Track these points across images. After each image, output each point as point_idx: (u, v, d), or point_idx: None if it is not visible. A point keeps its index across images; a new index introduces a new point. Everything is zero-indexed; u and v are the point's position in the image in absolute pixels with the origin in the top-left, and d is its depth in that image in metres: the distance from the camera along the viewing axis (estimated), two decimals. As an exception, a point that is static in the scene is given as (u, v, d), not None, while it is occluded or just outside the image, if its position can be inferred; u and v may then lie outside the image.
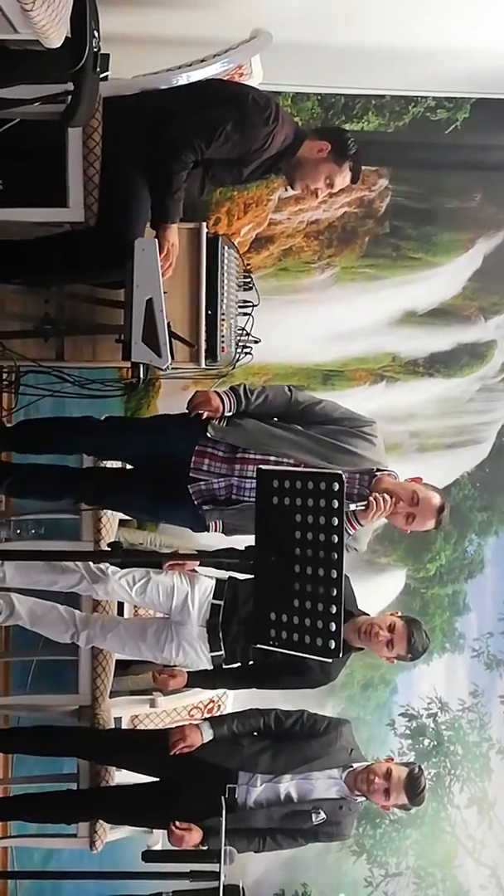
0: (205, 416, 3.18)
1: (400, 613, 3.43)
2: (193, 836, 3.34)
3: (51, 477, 3.44)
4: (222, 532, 3.22)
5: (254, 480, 3.07)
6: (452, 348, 5.64)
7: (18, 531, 4.26)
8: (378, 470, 3.20)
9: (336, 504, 2.18)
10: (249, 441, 3.15)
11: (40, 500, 3.60)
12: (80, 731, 3.87)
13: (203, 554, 3.13)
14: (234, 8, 3.96)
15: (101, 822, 3.89)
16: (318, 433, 3.17)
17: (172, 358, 3.14)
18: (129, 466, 3.60)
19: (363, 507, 3.06)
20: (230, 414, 3.20)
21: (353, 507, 3.05)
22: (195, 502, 3.19)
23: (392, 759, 3.64)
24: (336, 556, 2.17)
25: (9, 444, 3.66)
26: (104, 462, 3.69)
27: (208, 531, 3.26)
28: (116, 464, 3.71)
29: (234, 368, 3.95)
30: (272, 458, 3.12)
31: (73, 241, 3.30)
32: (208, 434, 3.17)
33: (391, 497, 3.08)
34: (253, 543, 2.34)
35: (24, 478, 3.44)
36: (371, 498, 3.06)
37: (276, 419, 3.23)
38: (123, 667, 4.28)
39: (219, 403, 3.18)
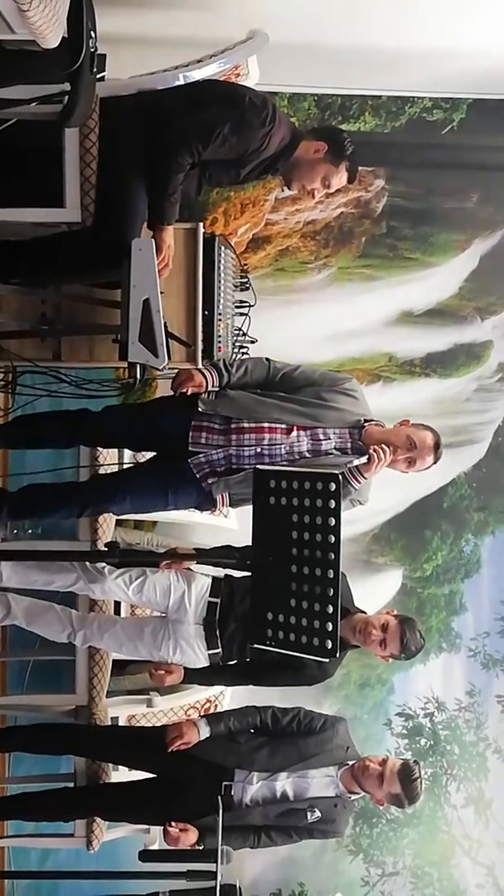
0: (189, 391, 3.20)
1: (396, 612, 3.44)
2: (189, 837, 3.34)
3: (49, 491, 3.44)
4: (229, 505, 3.25)
5: (252, 448, 3.15)
6: (449, 348, 5.66)
7: (15, 531, 4.26)
8: (365, 421, 3.24)
9: (333, 504, 2.18)
10: (240, 410, 3.19)
11: (45, 517, 3.59)
12: (77, 729, 3.88)
13: (200, 553, 3.13)
14: (230, 8, 3.97)
15: (98, 821, 3.89)
16: (303, 396, 3.23)
17: (169, 358, 3.14)
18: (125, 458, 3.62)
19: (365, 461, 3.11)
20: (215, 388, 3.23)
21: (355, 462, 3.12)
22: (197, 476, 3.21)
23: (389, 758, 3.64)
24: (333, 557, 2.18)
25: (5, 439, 3.66)
26: (101, 463, 3.71)
27: (216, 506, 3.28)
28: (112, 468, 3.73)
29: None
30: (265, 424, 3.17)
31: (70, 241, 3.30)
32: (199, 409, 3.20)
33: (389, 447, 3.12)
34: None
35: (23, 499, 3.43)
36: (371, 451, 3.12)
37: (258, 391, 3.26)
38: (120, 667, 4.29)
39: (201, 379, 3.21)
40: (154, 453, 3.47)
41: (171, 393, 3.27)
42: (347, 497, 3.09)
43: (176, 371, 3.31)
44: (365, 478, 3.16)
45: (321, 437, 3.20)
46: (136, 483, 3.35)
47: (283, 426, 3.18)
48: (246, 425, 3.18)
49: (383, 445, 3.13)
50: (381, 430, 3.25)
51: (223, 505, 3.25)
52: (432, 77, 4.86)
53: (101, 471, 3.78)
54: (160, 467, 3.32)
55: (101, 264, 3.21)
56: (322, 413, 3.21)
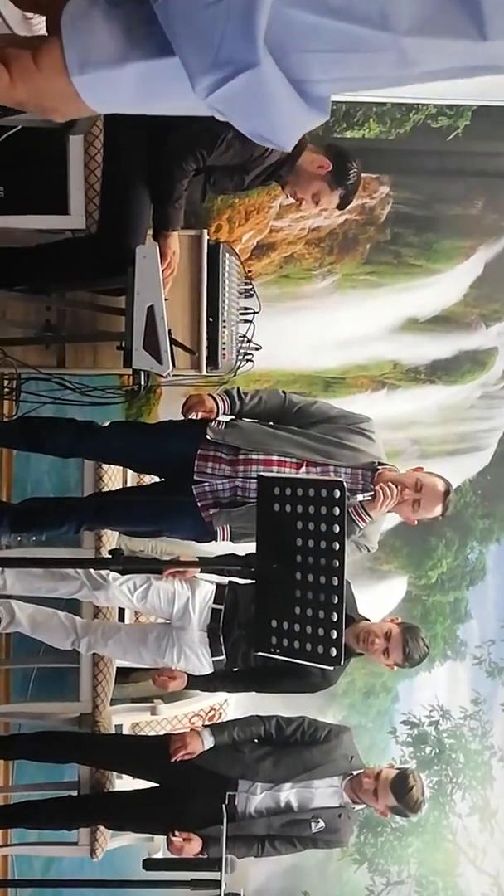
0: (199, 416, 3.19)
1: (400, 620, 3.42)
2: (193, 846, 3.33)
3: (49, 507, 3.44)
4: (230, 539, 3.22)
5: None
6: (454, 355, 5.65)
7: (19, 538, 4.26)
8: (380, 464, 3.21)
9: (337, 511, 2.17)
10: (249, 441, 3.15)
11: (43, 532, 3.59)
12: (81, 737, 3.87)
13: (204, 561, 3.12)
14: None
15: (101, 829, 3.88)
16: (317, 432, 3.19)
17: (173, 365, 3.14)
18: (129, 479, 3.61)
19: (370, 498, 3.07)
20: (227, 417, 3.21)
21: (360, 497, 3.07)
22: (199, 505, 3.18)
23: (393, 766, 3.63)
24: (337, 564, 2.16)
25: (6, 438, 3.65)
26: (103, 480, 3.71)
27: (216, 539, 3.25)
28: (115, 485, 3.72)
29: (235, 375, 3.95)
30: (275, 457, 3.13)
31: (74, 248, 3.30)
32: (208, 437, 3.18)
33: (396, 486, 3.09)
34: (254, 550, 2.34)
35: (22, 513, 3.43)
36: (377, 488, 3.07)
37: (272, 423, 3.24)
38: (124, 674, 4.28)
39: (212, 405, 3.20)
40: (156, 478, 3.46)
41: (173, 415, 3.26)
42: (352, 537, 3.03)
43: (178, 377, 3.30)
44: (371, 517, 3.10)
45: (332, 475, 3.15)
46: (133, 508, 3.34)
47: (294, 461, 3.12)
48: (254, 457, 3.14)
49: (391, 484, 3.08)
50: (394, 473, 3.19)
51: (223, 538, 3.21)
52: (437, 83, 4.86)
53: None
54: (161, 495, 3.30)
55: (106, 271, 3.21)
56: (336, 451, 3.15)
